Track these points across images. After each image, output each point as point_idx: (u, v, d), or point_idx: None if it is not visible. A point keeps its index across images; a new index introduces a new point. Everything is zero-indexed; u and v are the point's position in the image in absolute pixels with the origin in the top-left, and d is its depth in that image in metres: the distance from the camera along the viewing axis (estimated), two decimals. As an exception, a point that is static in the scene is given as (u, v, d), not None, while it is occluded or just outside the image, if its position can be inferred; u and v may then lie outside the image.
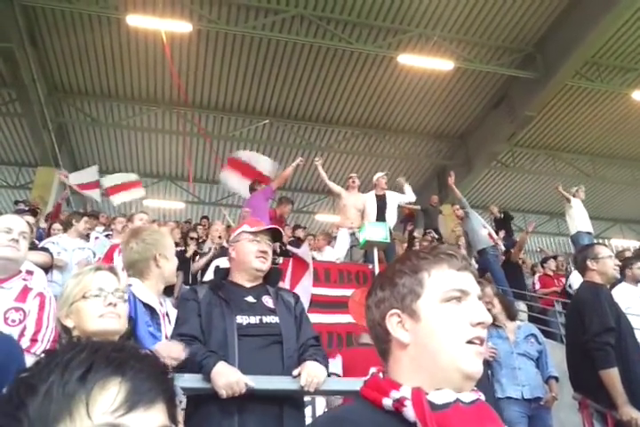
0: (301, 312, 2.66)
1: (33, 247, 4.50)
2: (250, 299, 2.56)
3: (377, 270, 5.72)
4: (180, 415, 1.78)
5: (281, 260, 6.52)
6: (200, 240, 8.62)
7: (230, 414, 2.23)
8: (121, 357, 0.77)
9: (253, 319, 2.47)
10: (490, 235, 8.98)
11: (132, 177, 11.15)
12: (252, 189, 8.37)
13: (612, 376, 3.18)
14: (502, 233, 10.53)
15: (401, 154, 15.87)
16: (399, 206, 8.59)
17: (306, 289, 5.63)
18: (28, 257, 3.33)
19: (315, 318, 5.07)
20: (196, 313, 2.49)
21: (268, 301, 2.58)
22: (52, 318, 2.39)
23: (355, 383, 2.17)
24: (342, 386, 2.36)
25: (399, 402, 0.97)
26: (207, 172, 16.72)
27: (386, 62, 12.38)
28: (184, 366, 2.24)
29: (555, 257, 9.89)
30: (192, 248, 7.47)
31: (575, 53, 10.98)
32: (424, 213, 11.62)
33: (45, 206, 12.92)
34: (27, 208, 10.01)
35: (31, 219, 6.49)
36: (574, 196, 9.41)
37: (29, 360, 1.84)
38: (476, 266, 8.15)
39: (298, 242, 8.92)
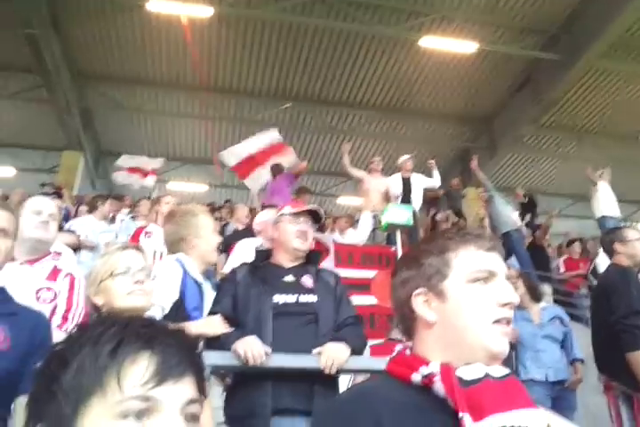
0: (342, 292, 2.68)
1: (59, 229, 4.58)
2: (288, 278, 2.61)
3: (400, 253, 5.70)
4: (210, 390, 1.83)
5: None
6: (223, 223, 8.67)
7: (265, 391, 2.30)
8: (150, 332, 0.79)
9: (290, 298, 2.52)
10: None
11: (156, 164, 11.21)
12: (273, 174, 8.40)
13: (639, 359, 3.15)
14: (528, 217, 10.41)
15: (424, 137, 15.70)
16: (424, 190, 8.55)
17: None
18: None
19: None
20: (230, 293, 2.57)
21: (307, 280, 2.62)
22: (82, 298, 2.45)
23: (378, 362, 2.19)
24: (366, 364, 2.36)
25: (428, 378, 0.97)
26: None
27: (408, 45, 12.17)
28: (214, 346, 2.33)
29: (580, 240, 9.77)
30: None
31: (602, 33, 10.64)
32: (447, 197, 11.54)
33: (71, 190, 13.10)
34: (51, 191, 10.13)
35: (59, 202, 6.60)
36: (600, 178, 9.24)
37: (60, 337, 1.89)
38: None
39: (320, 228, 8.92)
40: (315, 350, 2.34)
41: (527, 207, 11.19)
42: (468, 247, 1.11)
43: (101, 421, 0.72)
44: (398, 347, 1.11)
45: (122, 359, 0.75)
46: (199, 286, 2.63)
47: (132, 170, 10.79)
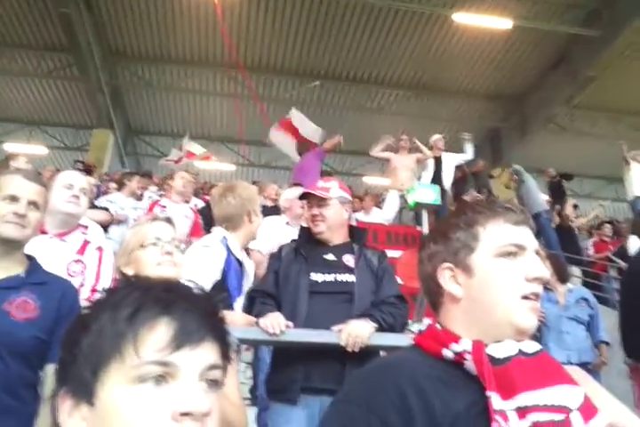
0: (384, 271, 2.64)
1: (92, 206, 4.66)
2: (329, 257, 2.61)
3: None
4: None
5: None
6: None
7: (296, 369, 2.36)
8: (170, 297, 0.78)
9: (328, 277, 2.53)
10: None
11: (201, 150, 11.42)
12: (301, 150, 8.38)
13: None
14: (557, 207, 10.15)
15: (454, 116, 15.46)
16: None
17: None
18: (91, 215, 3.46)
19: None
20: (273, 270, 2.63)
21: (349, 259, 2.61)
22: (110, 271, 2.50)
23: (405, 338, 2.19)
24: (393, 341, 2.35)
25: (459, 355, 0.96)
26: (259, 134, 16.75)
27: (440, 21, 11.94)
28: None
29: (610, 222, 9.58)
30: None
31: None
32: (474, 177, 11.37)
33: (101, 167, 13.30)
34: (82, 168, 10.29)
35: (92, 179, 6.71)
36: (633, 160, 9.00)
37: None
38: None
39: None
40: (335, 327, 2.33)
41: (557, 194, 10.91)
42: (497, 221, 1.08)
43: (120, 385, 0.72)
44: (427, 320, 1.10)
45: (139, 325, 0.75)
46: (241, 264, 2.65)
47: (188, 155, 11.05)
